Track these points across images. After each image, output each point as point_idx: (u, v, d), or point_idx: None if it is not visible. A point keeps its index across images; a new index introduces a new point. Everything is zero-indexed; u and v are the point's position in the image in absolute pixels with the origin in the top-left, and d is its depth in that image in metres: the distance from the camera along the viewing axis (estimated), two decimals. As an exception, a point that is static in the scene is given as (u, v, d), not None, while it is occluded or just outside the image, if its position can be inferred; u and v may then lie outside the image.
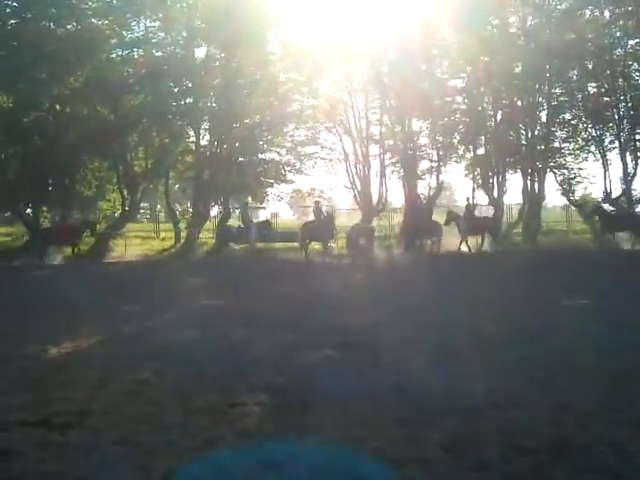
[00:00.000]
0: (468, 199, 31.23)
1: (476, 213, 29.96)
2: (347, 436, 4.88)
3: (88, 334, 9.21)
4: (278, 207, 45.80)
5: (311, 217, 29.03)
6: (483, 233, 27.82)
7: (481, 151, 33.19)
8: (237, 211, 35.50)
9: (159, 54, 30.68)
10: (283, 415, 5.45)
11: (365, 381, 6.48)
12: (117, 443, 4.80)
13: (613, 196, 31.35)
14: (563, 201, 34.53)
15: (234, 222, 31.81)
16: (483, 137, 32.86)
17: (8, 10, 29.34)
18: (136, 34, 31.17)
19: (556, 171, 32.76)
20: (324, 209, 28.72)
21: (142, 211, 42.00)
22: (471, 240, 27.74)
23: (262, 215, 33.49)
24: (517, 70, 31.57)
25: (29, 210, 30.90)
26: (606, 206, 30.03)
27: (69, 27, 29.68)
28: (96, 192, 32.43)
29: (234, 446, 4.76)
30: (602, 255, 23.18)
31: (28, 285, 17.34)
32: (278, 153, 33.02)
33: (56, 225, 27.84)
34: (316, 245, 26.92)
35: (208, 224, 33.00)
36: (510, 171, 32.80)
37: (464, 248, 27.33)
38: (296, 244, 27.46)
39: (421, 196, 32.07)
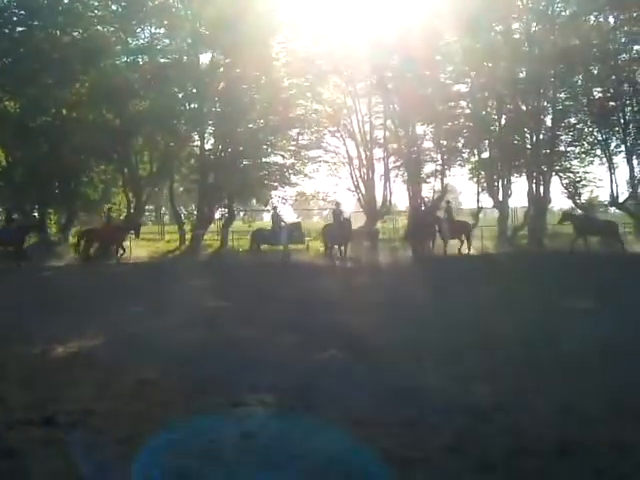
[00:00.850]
0: (448, 202, 31.02)
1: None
2: (351, 437, 4.90)
3: (93, 334, 9.26)
4: (282, 210, 45.67)
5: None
6: (460, 236, 27.60)
7: (485, 155, 33.17)
8: (241, 213, 35.62)
9: (164, 60, 30.74)
10: (286, 415, 5.49)
11: (369, 382, 6.50)
12: (120, 442, 4.81)
13: (620, 200, 31.47)
14: (569, 204, 34.46)
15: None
16: (487, 141, 32.85)
17: (15, 18, 29.53)
18: (141, 41, 31.42)
19: (561, 174, 32.67)
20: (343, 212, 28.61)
21: (147, 213, 42.02)
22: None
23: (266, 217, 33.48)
24: (521, 75, 31.57)
25: (35, 213, 31.01)
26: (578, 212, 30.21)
27: (75, 34, 29.81)
28: (102, 195, 32.55)
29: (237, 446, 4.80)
30: (607, 258, 23.14)
31: (34, 285, 17.40)
32: (282, 156, 33.04)
33: (102, 225, 28.06)
34: (321, 247, 26.95)
35: (212, 226, 33.15)
36: (515, 174, 32.79)
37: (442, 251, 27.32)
38: (300, 246, 27.60)
39: (425, 199, 32.09)
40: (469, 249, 27.31)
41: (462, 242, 27.34)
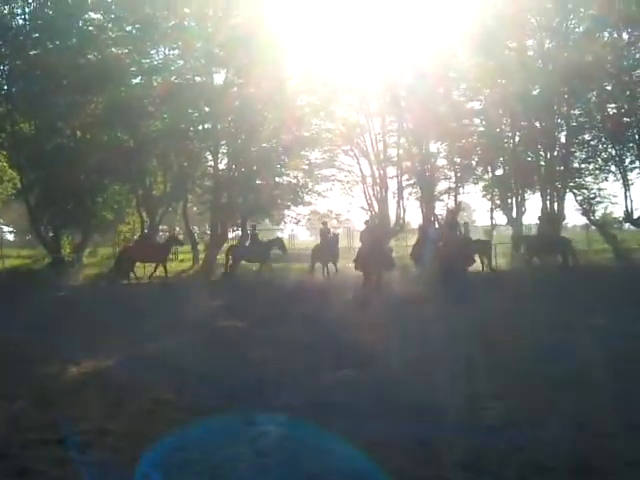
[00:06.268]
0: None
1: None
2: (365, 455, 4.83)
3: (107, 353, 9.24)
4: (295, 229, 45.72)
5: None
6: None
7: (499, 172, 33.18)
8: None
9: (178, 80, 30.85)
10: (300, 433, 5.46)
11: (382, 400, 6.46)
12: (136, 461, 4.76)
13: (635, 216, 31.20)
14: (583, 221, 34.30)
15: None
16: (501, 158, 32.79)
17: (29, 40, 29.84)
18: (155, 62, 31.55)
19: (576, 191, 32.47)
20: (331, 230, 28.32)
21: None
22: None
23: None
24: (535, 92, 31.50)
25: (50, 233, 31.21)
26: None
27: (90, 56, 30.09)
28: (116, 215, 32.73)
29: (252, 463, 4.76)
30: (621, 274, 22.93)
31: (48, 305, 17.34)
32: (295, 177, 33.14)
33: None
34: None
35: (226, 246, 33.17)
36: (529, 191, 32.70)
37: None
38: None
39: (438, 217, 31.87)
40: None
41: None
